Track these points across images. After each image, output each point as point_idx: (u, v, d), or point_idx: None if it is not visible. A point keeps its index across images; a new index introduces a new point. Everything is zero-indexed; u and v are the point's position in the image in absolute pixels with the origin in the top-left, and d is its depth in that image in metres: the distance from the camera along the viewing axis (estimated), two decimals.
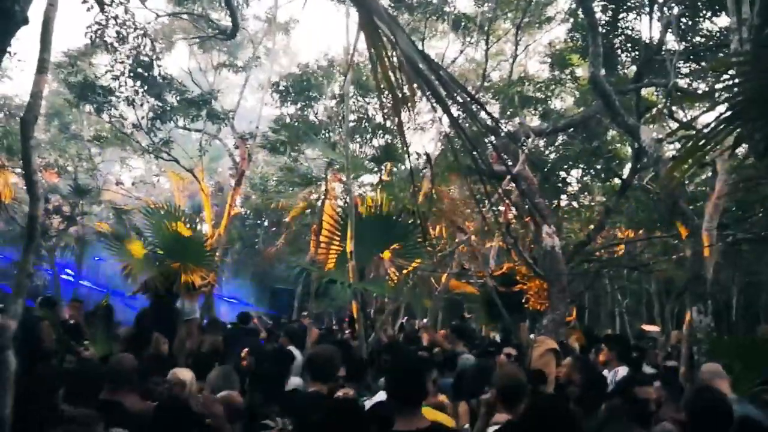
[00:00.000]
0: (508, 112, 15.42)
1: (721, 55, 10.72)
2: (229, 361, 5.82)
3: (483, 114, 13.00)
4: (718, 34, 11.26)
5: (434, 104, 3.02)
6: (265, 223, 27.57)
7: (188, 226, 10.63)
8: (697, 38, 11.52)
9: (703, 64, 11.38)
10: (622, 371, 5.98)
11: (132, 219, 20.21)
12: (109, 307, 8.62)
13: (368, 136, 19.37)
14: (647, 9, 11.08)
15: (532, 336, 7.28)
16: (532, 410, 3.10)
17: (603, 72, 8.15)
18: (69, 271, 20.67)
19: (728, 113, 3.26)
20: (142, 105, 14.90)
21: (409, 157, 10.67)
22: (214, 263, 12.60)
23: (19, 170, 14.89)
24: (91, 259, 21.62)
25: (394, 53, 2.95)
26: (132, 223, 18.37)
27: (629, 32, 12.16)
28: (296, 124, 18.64)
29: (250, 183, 24.72)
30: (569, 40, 14.21)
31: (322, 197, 19.62)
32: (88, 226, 20.47)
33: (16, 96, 21.37)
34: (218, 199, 22.88)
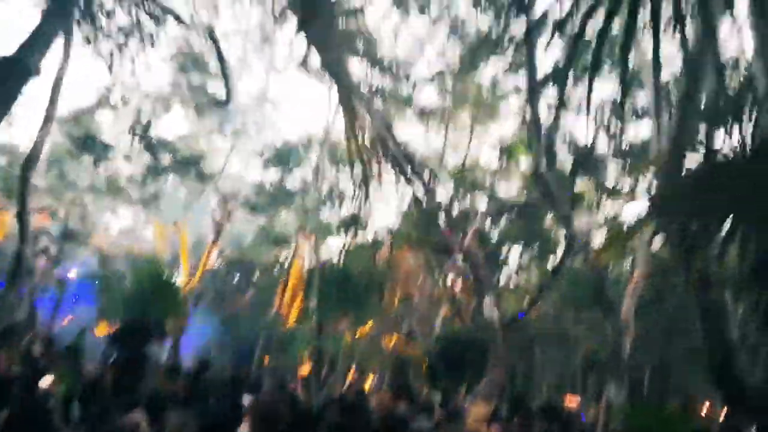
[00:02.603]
0: (460, 194, 15.65)
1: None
2: (188, 407, 5.44)
3: (439, 194, 13.19)
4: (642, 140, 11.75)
5: (399, 179, 3.00)
6: (237, 277, 26.93)
7: (166, 275, 10.36)
8: (624, 139, 12.00)
9: (629, 161, 11.80)
10: None
11: (116, 264, 19.55)
12: (79, 347, 8.12)
13: (338, 204, 19.40)
14: (585, 111, 11.55)
15: (468, 399, 7.08)
16: None
17: (545, 165, 8.36)
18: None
19: (648, 208, 3.31)
20: (138, 161, 14.78)
21: (372, 225, 10.68)
22: (185, 311, 12.20)
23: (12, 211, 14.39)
24: (69, 299, 20.64)
25: (367, 129, 2.94)
26: (115, 268, 17.79)
27: (569, 132, 12.63)
28: (275, 191, 18.60)
29: (227, 239, 24.27)
30: (517, 134, 14.65)
31: (291, 256, 19.37)
32: (71, 268, 19.67)
33: (19, 145, 20.83)
34: (197, 250, 22.33)
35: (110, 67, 11.91)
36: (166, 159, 15.49)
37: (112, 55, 11.90)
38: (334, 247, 21.97)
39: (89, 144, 14.04)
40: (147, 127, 14.03)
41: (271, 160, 18.85)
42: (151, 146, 14.27)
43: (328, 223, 17.86)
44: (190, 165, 15.93)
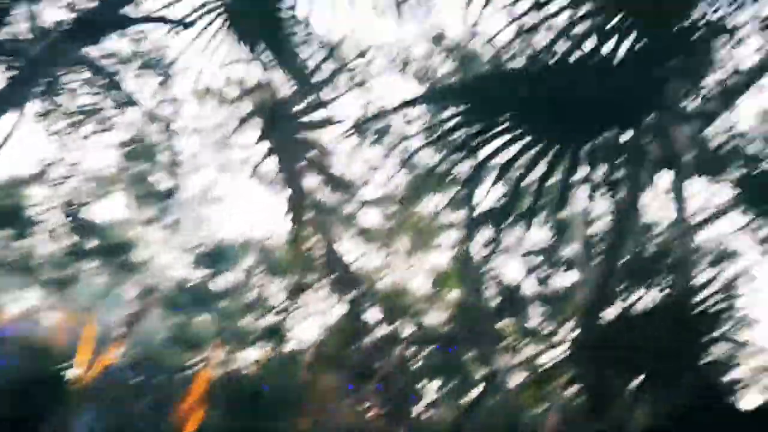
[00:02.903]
0: (388, 317, 15.61)
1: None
2: None
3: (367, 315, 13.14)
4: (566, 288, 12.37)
5: (331, 293, 3.05)
6: (138, 378, 24.87)
7: (56, 366, 9.60)
8: (550, 285, 12.59)
9: (552, 307, 12.29)
10: None
11: (5, 348, 17.79)
12: None
13: (261, 312, 18.81)
14: (516, 253, 12.22)
15: None
16: None
17: (471, 300, 8.61)
18: None
19: (566, 354, 3.46)
20: (61, 242, 14.10)
21: (295, 338, 10.44)
22: (70, 410, 11.08)
23: None
24: None
25: (309, 240, 3.02)
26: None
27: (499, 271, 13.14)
28: (198, 291, 17.97)
29: (137, 335, 22.73)
30: (450, 266, 15.08)
31: (202, 362, 18.24)
32: None
33: None
34: (102, 343, 20.70)
35: (58, 144, 11.75)
36: (92, 243, 14.84)
37: (61, 133, 11.78)
38: (250, 358, 20.98)
39: (14, 218, 13.35)
40: (80, 208, 13.58)
41: (201, 259, 18.41)
42: (80, 228, 13.72)
43: (248, 331, 17.21)
44: (116, 252, 15.31)
